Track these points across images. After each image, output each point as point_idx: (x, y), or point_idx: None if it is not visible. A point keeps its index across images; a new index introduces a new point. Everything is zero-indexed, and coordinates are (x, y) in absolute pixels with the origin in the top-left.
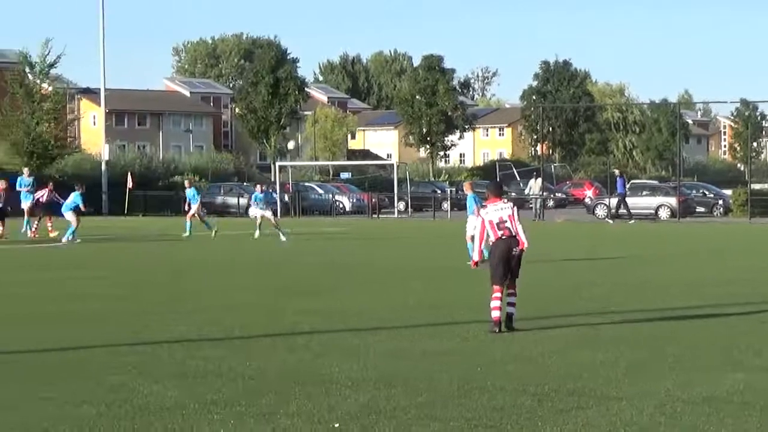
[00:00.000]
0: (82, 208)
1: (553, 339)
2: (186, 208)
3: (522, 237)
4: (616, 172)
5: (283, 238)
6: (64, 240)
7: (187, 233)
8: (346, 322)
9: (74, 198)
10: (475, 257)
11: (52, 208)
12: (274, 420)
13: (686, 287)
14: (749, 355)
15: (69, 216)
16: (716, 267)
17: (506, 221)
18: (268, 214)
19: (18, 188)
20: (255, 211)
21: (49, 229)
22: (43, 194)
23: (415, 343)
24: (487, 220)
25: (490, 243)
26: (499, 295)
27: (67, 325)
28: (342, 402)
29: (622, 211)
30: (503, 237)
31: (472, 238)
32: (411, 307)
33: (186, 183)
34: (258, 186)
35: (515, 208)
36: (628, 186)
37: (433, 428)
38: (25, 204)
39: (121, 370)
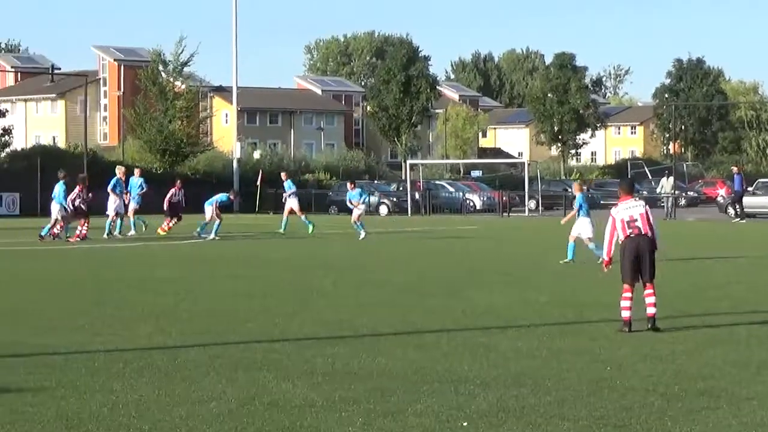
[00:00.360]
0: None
1: (684, 338)
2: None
3: (655, 237)
4: (734, 169)
5: (362, 235)
6: (211, 236)
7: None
8: (475, 321)
9: (220, 196)
10: (605, 256)
11: (178, 208)
12: (402, 418)
13: None
14: None
15: (208, 211)
16: None
17: (637, 219)
18: (356, 212)
19: (117, 190)
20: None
21: (164, 228)
22: (173, 193)
23: (544, 342)
24: (618, 218)
25: (620, 242)
26: (629, 294)
27: (203, 321)
28: (470, 401)
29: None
30: (632, 235)
31: (575, 238)
32: (540, 305)
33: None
34: (349, 184)
35: (647, 207)
36: (751, 186)
37: (563, 427)
38: (132, 205)
39: (252, 368)
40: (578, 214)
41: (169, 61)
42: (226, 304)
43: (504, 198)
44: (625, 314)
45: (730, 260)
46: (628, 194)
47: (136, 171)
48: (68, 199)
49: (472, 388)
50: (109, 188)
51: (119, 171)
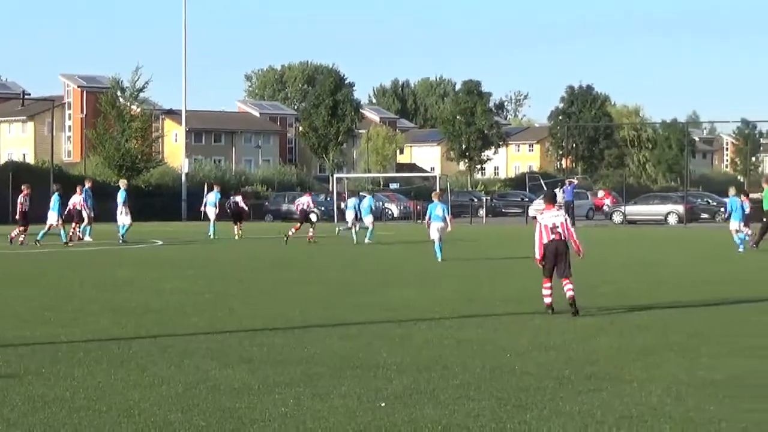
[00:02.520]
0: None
1: (575, 329)
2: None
3: (576, 242)
4: (569, 181)
5: (367, 240)
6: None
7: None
8: (393, 314)
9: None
10: (537, 255)
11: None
12: (328, 399)
13: (692, 283)
14: (748, 344)
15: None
16: (719, 266)
17: (558, 227)
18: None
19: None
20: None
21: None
22: (22, 201)
23: (452, 333)
24: (543, 224)
25: (542, 243)
26: (549, 285)
27: (154, 315)
28: (388, 384)
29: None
30: (554, 239)
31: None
32: (450, 300)
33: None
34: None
35: (566, 217)
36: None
37: (468, 407)
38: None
39: (197, 356)
40: (433, 219)
41: (127, 87)
42: (174, 301)
43: (418, 207)
44: (547, 300)
45: (614, 261)
46: (550, 204)
47: (87, 182)
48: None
49: (389, 373)
50: (82, 199)
51: (86, 183)
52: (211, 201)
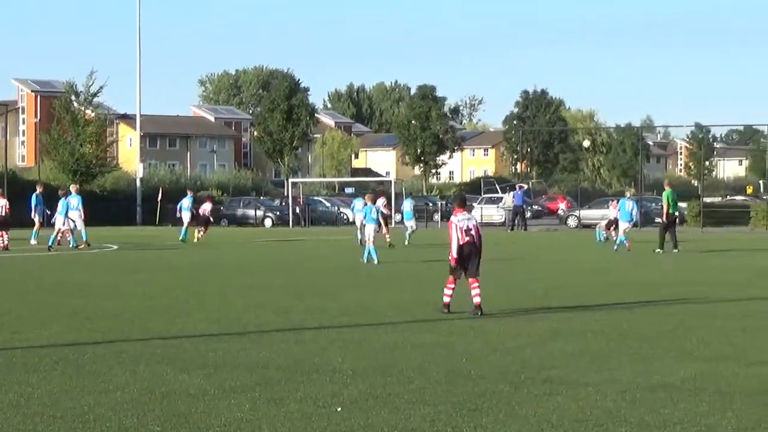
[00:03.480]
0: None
1: (530, 333)
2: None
3: (480, 246)
4: (517, 186)
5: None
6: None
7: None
8: (349, 319)
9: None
10: (454, 254)
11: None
12: (284, 404)
13: (645, 287)
14: (700, 348)
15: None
16: (672, 269)
17: (471, 229)
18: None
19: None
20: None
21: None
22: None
23: (407, 337)
24: (458, 226)
25: (459, 245)
26: (452, 286)
27: (109, 320)
28: (344, 389)
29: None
30: (468, 242)
31: (371, 241)
32: (405, 304)
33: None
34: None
35: (476, 220)
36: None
37: (424, 411)
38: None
39: (152, 361)
40: (366, 221)
41: (81, 91)
42: (130, 305)
43: None
44: (447, 300)
45: (568, 265)
46: (461, 208)
47: (39, 187)
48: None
49: (345, 378)
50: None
51: (38, 188)
52: (185, 206)
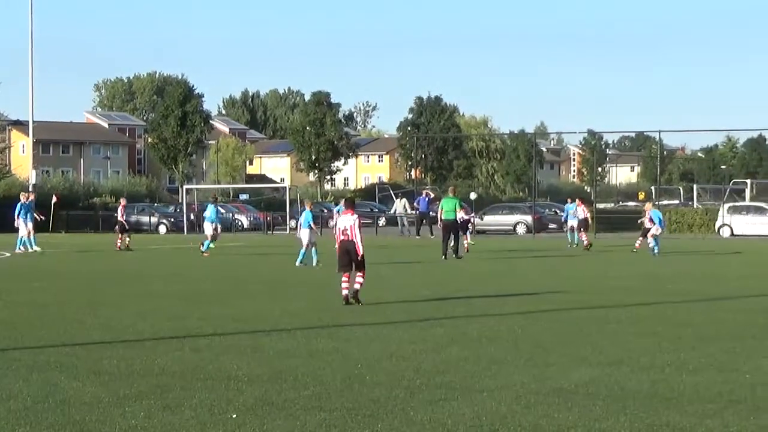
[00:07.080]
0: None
1: (425, 340)
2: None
3: (359, 243)
4: (424, 193)
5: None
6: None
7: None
8: (244, 326)
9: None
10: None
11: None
12: (179, 412)
13: (538, 293)
14: (594, 353)
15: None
16: (565, 275)
17: (347, 229)
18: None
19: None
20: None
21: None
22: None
23: (303, 343)
24: (338, 227)
25: (337, 242)
26: (345, 279)
27: (0, 328)
28: (239, 395)
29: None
30: (345, 240)
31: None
32: (301, 311)
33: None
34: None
35: (359, 220)
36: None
37: (319, 417)
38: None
39: (46, 369)
40: (302, 226)
41: None
42: (22, 313)
43: (268, 218)
44: (344, 293)
45: (471, 272)
46: (350, 209)
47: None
48: None
49: (240, 385)
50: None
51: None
52: (210, 216)
